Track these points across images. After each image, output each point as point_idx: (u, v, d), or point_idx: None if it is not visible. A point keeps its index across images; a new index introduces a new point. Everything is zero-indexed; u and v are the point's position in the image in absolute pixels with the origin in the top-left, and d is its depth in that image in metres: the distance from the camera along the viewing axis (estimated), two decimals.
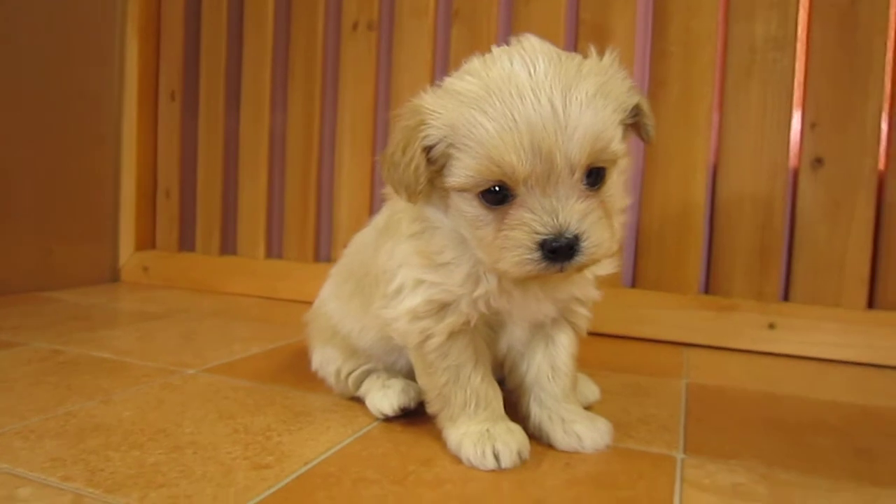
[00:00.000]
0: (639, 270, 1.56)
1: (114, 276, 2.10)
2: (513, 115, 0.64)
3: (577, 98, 0.65)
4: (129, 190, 2.09)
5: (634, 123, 0.75)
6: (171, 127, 2.10)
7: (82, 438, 0.79)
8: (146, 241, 2.13)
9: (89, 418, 0.85)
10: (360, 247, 0.98)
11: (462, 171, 0.68)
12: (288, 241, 1.94)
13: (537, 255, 0.66)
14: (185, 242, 2.12)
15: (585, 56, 0.72)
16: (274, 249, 2.01)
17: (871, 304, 1.40)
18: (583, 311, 0.85)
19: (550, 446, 0.81)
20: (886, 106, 1.38)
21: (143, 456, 0.74)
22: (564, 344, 0.84)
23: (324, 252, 1.92)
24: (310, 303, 1.07)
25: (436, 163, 0.70)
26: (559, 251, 0.65)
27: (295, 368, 1.12)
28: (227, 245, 2.04)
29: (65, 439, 0.78)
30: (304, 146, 1.90)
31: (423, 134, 0.69)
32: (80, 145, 1.97)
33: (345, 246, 1.05)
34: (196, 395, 0.97)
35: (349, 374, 0.95)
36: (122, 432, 0.81)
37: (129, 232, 2.10)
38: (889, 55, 1.37)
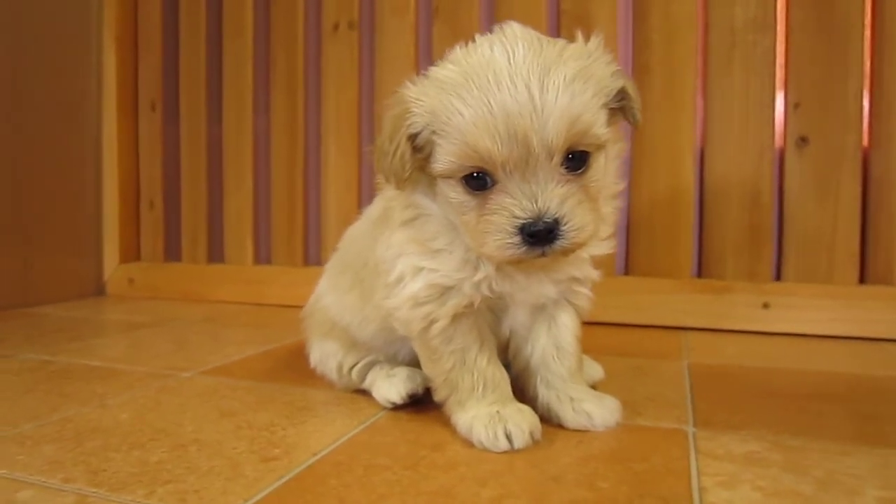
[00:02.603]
0: (631, 257, 1.56)
1: (99, 290, 2.06)
2: (489, 100, 0.64)
3: (554, 82, 0.64)
4: (112, 201, 2.05)
5: (621, 107, 0.74)
6: (153, 136, 2.07)
7: (80, 442, 0.76)
8: (131, 252, 2.09)
9: (86, 422, 0.83)
10: (354, 239, 0.97)
11: (444, 158, 0.68)
12: (276, 246, 1.91)
13: (517, 239, 0.66)
14: (171, 252, 2.09)
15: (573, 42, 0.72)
16: (262, 255, 1.98)
17: (862, 279, 1.41)
18: (583, 290, 0.84)
19: (560, 426, 0.80)
20: (867, 83, 1.40)
21: (145, 455, 0.72)
22: (567, 324, 0.84)
23: (313, 255, 1.90)
24: (301, 307, 1.05)
25: (422, 150, 0.71)
26: (538, 235, 0.65)
27: (293, 367, 1.11)
28: (214, 253, 2.01)
29: (62, 443, 0.76)
30: (288, 149, 1.88)
31: (407, 122, 0.70)
32: (60, 158, 1.93)
33: (335, 245, 1.03)
34: (194, 396, 0.94)
35: (352, 366, 0.94)
36: (121, 434, 0.79)
37: (112, 244, 2.06)
38: (867, 33, 1.39)
